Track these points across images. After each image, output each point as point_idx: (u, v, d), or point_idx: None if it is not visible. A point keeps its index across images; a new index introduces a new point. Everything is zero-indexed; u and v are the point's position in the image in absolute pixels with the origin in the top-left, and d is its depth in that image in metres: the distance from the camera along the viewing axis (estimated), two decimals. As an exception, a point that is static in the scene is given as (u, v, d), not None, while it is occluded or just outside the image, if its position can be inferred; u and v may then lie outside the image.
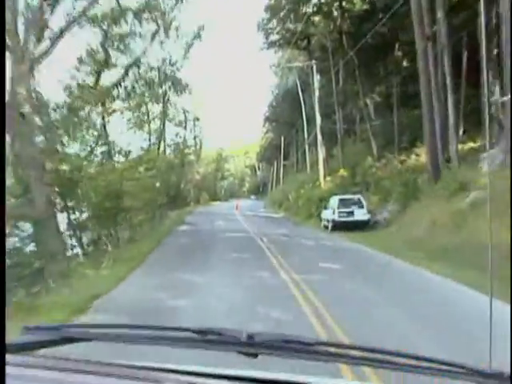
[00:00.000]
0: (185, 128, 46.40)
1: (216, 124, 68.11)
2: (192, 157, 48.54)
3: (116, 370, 1.14)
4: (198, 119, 48.87)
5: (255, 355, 1.14)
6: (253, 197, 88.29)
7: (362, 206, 19.38)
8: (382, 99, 37.02)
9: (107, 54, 16.26)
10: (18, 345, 1.20)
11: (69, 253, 13.23)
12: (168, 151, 45.72)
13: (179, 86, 28.69)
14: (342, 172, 28.63)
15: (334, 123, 39.51)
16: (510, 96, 12.67)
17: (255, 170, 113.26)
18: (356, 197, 20.49)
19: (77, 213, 16.16)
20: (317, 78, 37.24)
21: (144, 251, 12.49)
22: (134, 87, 30.73)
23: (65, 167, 15.97)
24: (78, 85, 15.64)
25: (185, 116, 46.31)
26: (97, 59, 16.89)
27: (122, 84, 18.13)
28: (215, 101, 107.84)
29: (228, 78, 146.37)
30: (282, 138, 64.35)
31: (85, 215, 16.62)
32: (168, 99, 32.04)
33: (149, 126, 31.99)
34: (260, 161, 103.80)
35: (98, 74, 16.44)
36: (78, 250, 14.53)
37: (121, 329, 1.39)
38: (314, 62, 33.02)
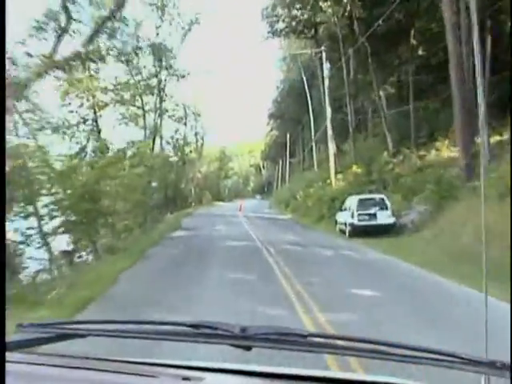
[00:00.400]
0: (185, 124, 43.65)
1: (219, 122, 65.73)
2: (193, 154, 45.74)
3: (112, 365, 1.19)
4: (199, 115, 46.09)
5: (249, 348, 1.15)
6: (258, 196, 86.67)
7: (385, 208, 16.51)
8: (396, 90, 34.25)
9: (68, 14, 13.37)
10: (13, 342, 1.20)
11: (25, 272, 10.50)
12: (168, 149, 43.16)
13: (176, 73, 25.89)
14: (355, 169, 25.76)
15: (344, 116, 36.76)
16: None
17: (260, 169, 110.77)
18: (378, 196, 17.60)
19: (46, 218, 13.35)
20: (326, 66, 34.52)
21: (116, 269, 9.63)
22: (127, 82, 28.29)
23: (31, 164, 13.31)
24: (28, 54, 12.75)
25: (185, 111, 43.55)
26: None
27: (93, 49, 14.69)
28: (217, 97, 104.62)
29: (230, 73, 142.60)
30: (288, 135, 61.56)
31: (57, 221, 13.83)
32: (163, 89, 29.21)
33: (144, 119, 29.18)
34: (265, 159, 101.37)
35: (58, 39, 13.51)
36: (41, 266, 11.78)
37: (115, 324, 1.35)
38: (323, 48, 30.06)
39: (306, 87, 49.20)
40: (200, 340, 1.21)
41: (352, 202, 17.45)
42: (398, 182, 21.08)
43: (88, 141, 27.75)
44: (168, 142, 43.63)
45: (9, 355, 1.11)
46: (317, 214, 23.79)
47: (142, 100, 28.39)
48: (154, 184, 26.06)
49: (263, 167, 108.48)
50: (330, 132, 27.16)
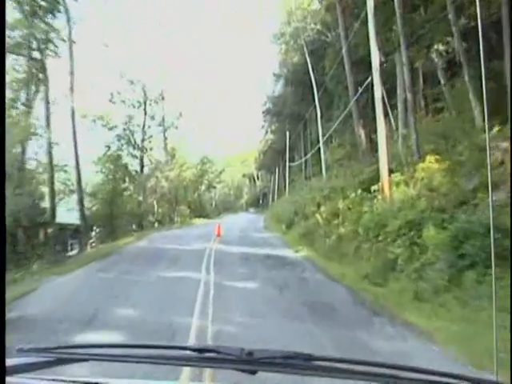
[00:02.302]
0: (144, 111, 30.88)
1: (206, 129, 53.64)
2: (157, 155, 32.83)
3: None
4: (162, 98, 33.24)
5: (254, 372, 1.14)
6: (252, 210, 77.40)
7: None
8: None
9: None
10: (14, 367, 1.18)
11: None
12: (119, 146, 30.31)
13: None
14: (432, 162, 13.00)
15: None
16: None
17: (254, 180, 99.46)
18: None
19: None
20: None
21: None
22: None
23: None
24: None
25: (144, 93, 30.85)
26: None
27: None
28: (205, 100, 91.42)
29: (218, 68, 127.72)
30: (287, 134, 49.35)
31: None
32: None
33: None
34: (259, 169, 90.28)
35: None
36: None
37: (117, 348, 1.35)
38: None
39: (311, 71, 37.68)
40: (204, 364, 1.31)
41: None
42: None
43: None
44: (119, 137, 30.81)
45: (9, 380, 1.10)
46: (370, 259, 10.78)
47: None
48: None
49: (257, 178, 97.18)
50: (378, 94, 14.30)
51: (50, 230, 17.01)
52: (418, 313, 6.64)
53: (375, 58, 14.42)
